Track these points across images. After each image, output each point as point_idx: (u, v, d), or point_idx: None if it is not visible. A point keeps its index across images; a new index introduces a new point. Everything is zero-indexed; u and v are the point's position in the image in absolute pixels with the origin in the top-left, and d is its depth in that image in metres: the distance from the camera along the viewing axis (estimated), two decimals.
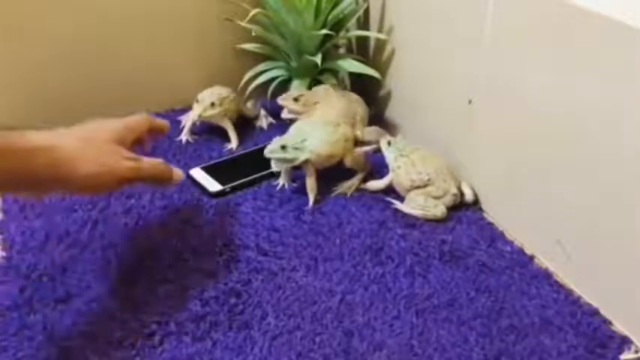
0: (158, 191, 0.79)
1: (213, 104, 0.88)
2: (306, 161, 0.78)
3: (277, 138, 0.78)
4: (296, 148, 0.77)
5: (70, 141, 0.57)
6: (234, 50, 0.96)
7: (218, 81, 0.93)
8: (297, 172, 0.82)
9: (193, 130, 0.92)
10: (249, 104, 0.95)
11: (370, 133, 0.90)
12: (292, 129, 0.82)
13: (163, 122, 0.71)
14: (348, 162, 0.81)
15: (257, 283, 0.67)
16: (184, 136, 0.91)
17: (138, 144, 0.66)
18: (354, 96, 0.92)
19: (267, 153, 0.77)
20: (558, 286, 0.67)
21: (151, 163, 0.64)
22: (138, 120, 0.66)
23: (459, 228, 0.75)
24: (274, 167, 0.80)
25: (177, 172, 0.66)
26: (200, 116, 0.88)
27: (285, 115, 0.92)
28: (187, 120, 0.92)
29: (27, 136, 0.55)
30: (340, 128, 0.82)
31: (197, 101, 0.89)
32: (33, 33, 0.88)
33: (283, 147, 0.76)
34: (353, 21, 0.96)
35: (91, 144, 0.59)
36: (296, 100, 0.88)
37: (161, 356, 0.59)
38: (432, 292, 0.66)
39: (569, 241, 0.67)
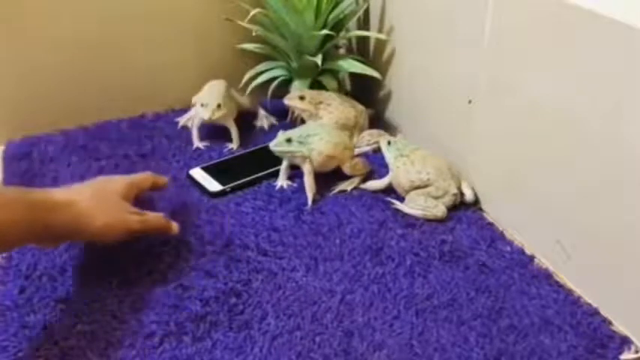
0: (158, 191, 0.78)
1: (219, 105, 0.87)
2: (306, 158, 0.78)
3: (282, 132, 0.79)
4: (300, 142, 0.78)
5: (86, 196, 0.63)
6: (235, 50, 0.96)
7: None
8: (297, 171, 0.82)
9: (201, 136, 0.91)
10: (245, 99, 0.94)
11: (371, 135, 0.90)
12: (301, 127, 0.83)
13: (164, 180, 0.76)
14: (347, 169, 0.81)
15: (257, 283, 0.67)
16: (197, 144, 0.90)
17: (138, 198, 0.71)
18: (360, 107, 0.92)
19: (272, 146, 0.78)
20: (558, 286, 0.67)
21: (154, 217, 0.69)
22: (142, 178, 0.73)
23: (459, 228, 0.75)
24: (272, 146, 0.79)
25: (175, 225, 0.70)
26: (210, 119, 0.86)
27: (294, 110, 0.92)
28: (193, 127, 0.91)
29: (48, 192, 0.62)
30: (344, 135, 0.84)
31: (202, 105, 0.87)
32: (34, 34, 0.88)
33: (288, 140, 0.78)
34: (353, 21, 0.96)
35: (103, 199, 0.65)
36: (302, 98, 0.89)
37: (161, 356, 0.59)
38: (432, 292, 0.66)
39: (569, 241, 0.67)
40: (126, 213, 0.66)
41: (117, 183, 0.69)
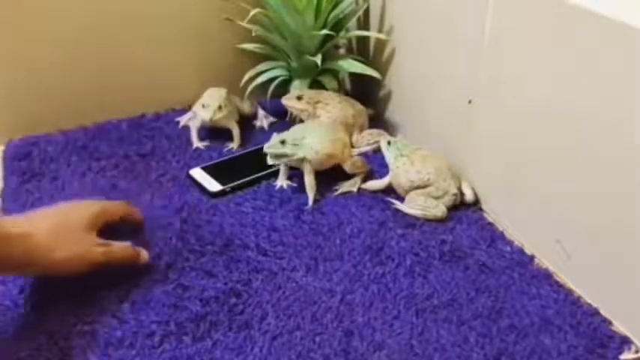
0: (158, 191, 0.79)
1: (220, 107, 0.88)
2: (304, 159, 0.78)
3: (276, 134, 0.78)
4: (295, 144, 0.77)
5: (43, 228, 0.61)
6: (234, 50, 0.96)
7: (218, 81, 0.93)
8: (296, 171, 0.82)
9: (200, 136, 0.91)
10: (245, 104, 0.95)
11: (371, 134, 0.90)
12: (295, 127, 0.82)
13: (138, 216, 0.73)
14: (348, 167, 0.81)
15: (257, 283, 0.67)
16: (196, 144, 0.90)
17: (109, 226, 0.68)
18: (359, 106, 0.92)
19: (266, 148, 0.77)
20: (558, 286, 0.67)
21: (120, 247, 0.66)
22: (114, 206, 0.71)
23: (459, 228, 0.75)
24: (270, 161, 0.80)
25: (144, 253, 0.69)
26: (211, 120, 0.87)
27: (292, 110, 0.91)
28: (193, 127, 0.91)
29: (2, 224, 0.58)
30: (340, 132, 0.83)
31: (203, 105, 0.88)
32: (34, 34, 0.88)
33: (282, 142, 0.77)
34: (353, 21, 0.96)
35: (63, 231, 0.62)
36: (299, 98, 0.89)
37: (161, 356, 0.59)
38: (432, 292, 0.66)
39: (569, 241, 0.67)
40: (88, 245, 0.63)
41: (83, 210, 0.66)
